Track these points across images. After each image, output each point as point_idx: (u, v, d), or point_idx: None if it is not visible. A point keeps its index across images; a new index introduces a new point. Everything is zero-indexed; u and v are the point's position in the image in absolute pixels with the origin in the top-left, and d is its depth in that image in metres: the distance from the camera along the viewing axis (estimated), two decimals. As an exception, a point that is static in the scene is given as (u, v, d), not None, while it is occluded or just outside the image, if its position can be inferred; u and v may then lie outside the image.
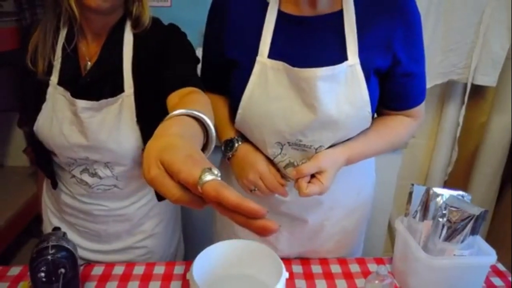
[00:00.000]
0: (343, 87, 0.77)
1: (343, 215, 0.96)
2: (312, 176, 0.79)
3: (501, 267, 0.98)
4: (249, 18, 0.81)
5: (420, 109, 0.89)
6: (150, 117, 0.84)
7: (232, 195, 0.36)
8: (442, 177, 1.68)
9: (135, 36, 0.86)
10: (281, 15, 0.79)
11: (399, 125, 0.88)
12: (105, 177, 0.90)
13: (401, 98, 0.87)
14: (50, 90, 0.86)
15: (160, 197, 0.98)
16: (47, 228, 1.07)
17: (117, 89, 0.84)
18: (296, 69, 0.76)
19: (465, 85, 1.58)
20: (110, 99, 0.84)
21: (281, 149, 0.82)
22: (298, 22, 0.79)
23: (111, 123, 0.84)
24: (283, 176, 0.84)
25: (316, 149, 0.81)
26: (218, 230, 1.06)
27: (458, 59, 1.57)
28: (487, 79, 1.53)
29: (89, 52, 0.87)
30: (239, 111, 0.82)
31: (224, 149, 0.87)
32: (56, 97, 0.86)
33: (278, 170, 0.85)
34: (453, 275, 0.82)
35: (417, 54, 0.83)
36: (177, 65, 0.84)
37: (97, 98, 0.83)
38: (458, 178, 1.67)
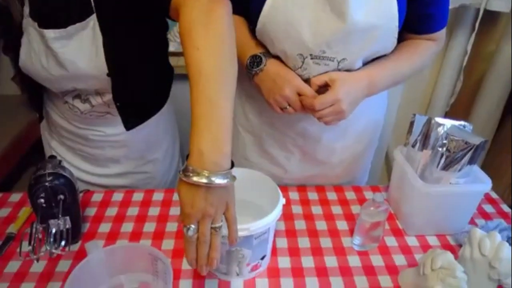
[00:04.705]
0: None
1: (354, 137, 0.98)
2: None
3: (493, 194, 1.00)
4: None
5: (442, 32, 0.89)
6: (121, 33, 0.80)
7: None
8: (444, 107, 1.65)
9: None
10: None
11: (422, 48, 0.88)
12: (96, 105, 0.88)
13: (426, 21, 0.86)
14: (24, 21, 0.79)
15: (128, 127, 0.94)
16: (47, 151, 1.07)
17: (86, 12, 0.77)
18: None
19: (477, 11, 1.48)
20: (78, 24, 0.77)
21: (302, 62, 0.80)
22: None
23: (88, 49, 0.79)
24: None
25: (339, 62, 0.80)
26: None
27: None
28: (501, 4, 1.44)
29: None
30: (260, 19, 0.79)
31: (250, 65, 0.83)
32: (29, 29, 0.79)
33: None
34: (446, 202, 0.83)
35: None
36: None
37: (66, 26, 0.77)
38: (459, 108, 1.64)
